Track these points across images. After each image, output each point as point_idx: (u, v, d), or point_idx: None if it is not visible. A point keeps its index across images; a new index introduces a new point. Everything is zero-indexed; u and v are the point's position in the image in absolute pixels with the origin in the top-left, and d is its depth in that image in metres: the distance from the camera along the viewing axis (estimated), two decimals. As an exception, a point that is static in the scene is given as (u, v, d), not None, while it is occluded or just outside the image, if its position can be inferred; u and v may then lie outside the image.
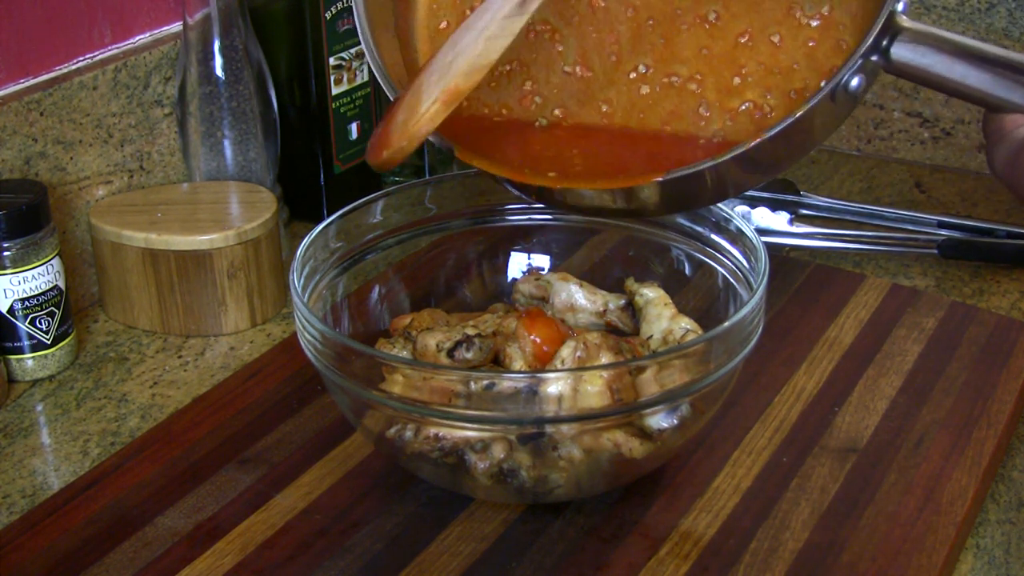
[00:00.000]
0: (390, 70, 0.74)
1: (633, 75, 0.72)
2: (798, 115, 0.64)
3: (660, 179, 0.66)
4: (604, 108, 0.72)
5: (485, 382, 0.64)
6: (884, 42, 0.65)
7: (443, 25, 0.77)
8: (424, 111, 0.66)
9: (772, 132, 0.65)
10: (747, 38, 0.70)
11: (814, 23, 0.69)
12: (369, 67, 1.06)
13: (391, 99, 0.73)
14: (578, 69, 0.73)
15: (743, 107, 0.69)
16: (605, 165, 0.71)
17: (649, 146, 0.71)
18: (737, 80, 0.70)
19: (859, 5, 0.68)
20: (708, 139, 0.69)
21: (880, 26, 0.65)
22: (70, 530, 0.71)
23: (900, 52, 0.66)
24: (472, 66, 0.65)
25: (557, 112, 0.73)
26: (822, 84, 0.66)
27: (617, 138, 0.72)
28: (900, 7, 0.66)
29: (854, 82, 0.65)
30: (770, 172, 0.72)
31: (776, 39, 0.69)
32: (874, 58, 0.66)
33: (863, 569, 0.67)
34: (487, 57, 0.65)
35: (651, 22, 0.73)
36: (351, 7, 1.03)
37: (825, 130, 0.70)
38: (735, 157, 0.65)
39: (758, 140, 0.65)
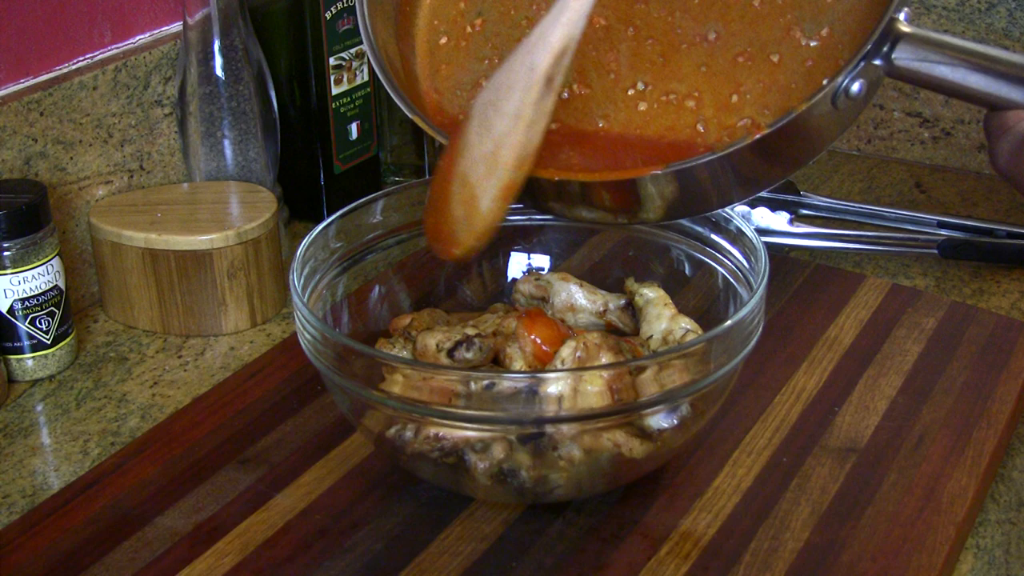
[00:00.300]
0: (395, 75, 0.74)
1: (631, 92, 0.72)
2: (800, 111, 0.65)
3: (660, 171, 0.66)
4: (601, 124, 0.72)
5: (485, 382, 0.64)
6: (885, 48, 0.66)
7: (443, 40, 0.77)
8: (486, 211, 0.66)
9: (775, 126, 0.65)
10: (745, 57, 0.70)
11: (812, 43, 0.69)
12: (369, 67, 1.06)
13: (401, 107, 0.72)
14: (575, 87, 0.73)
15: (740, 123, 0.69)
16: (602, 163, 0.71)
17: (647, 148, 0.71)
18: (735, 98, 0.70)
19: (858, 25, 0.69)
20: (708, 147, 0.70)
21: (880, 31, 0.65)
22: (70, 530, 0.71)
23: (902, 57, 0.66)
24: (521, 157, 0.65)
25: (553, 125, 0.73)
26: (824, 82, 0.66)
27: (614, 142, 0.72)
28: (902, 16, 0.66)
29: (855, 87, 0.65)
30: (773, 176, 0.72)
31: (775, 58, 0.70)
32: (876, 62, 0.66)
33: (863, 569, 0.67)
34: (533, 144, 0.65)
35: (650, 41, 0.73)
36: (351, 7, 1.03)
37: (828, 135, 0.70)
38: (737, 152, 0.65)
39: (761, 134, 0.65)
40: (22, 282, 0.85)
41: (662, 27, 0.73)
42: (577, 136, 0.73)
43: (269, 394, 0.83)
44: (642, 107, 0.72)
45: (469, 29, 0.76)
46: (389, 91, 0.73)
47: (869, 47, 0.65)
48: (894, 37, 0.66)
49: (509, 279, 0.87)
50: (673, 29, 0.73)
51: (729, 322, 0.67)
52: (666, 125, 0.71)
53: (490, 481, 0.69)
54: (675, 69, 0.72)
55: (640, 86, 0.72)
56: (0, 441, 0.81)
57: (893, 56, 0.66)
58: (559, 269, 0.85)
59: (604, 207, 0.72)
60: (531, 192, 0.72)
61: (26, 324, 0.86)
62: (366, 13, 0.75)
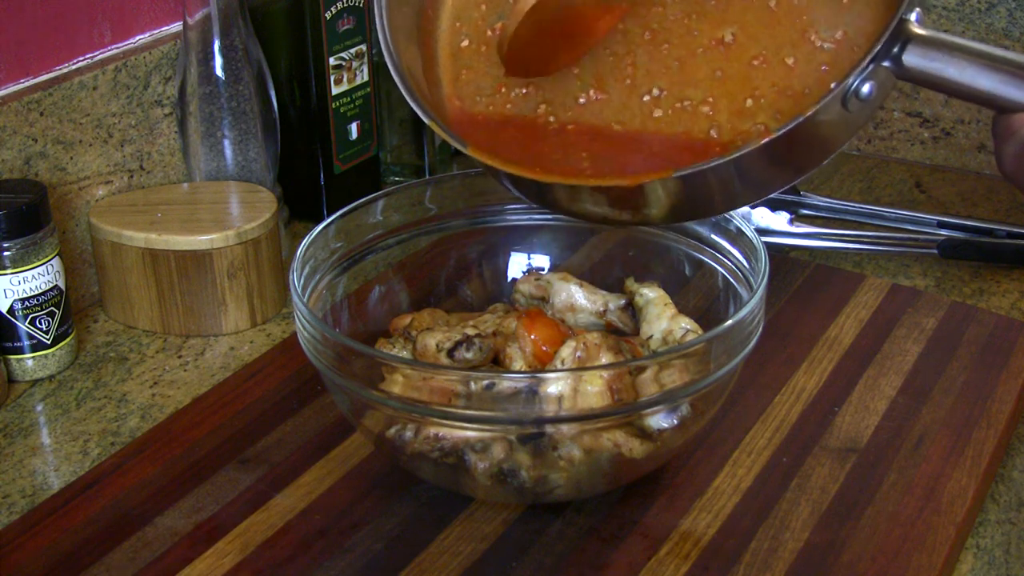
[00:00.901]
0: (414, 83, 0.74)
1: (647, 98, 0.72)
2: (809, 114, 0.64)
3: (667, 177, 0.66)
4: (616, 128, 0.72)
5: (485, 382, 0.64)
6: (895, 49, 0.66)
7: (464, 43, 0.77)
8: None
9: (784, 129, 0.65)
10: (761, 60, 0.70)
11: (827, 46, 0.69)
12: (369, 67, 1.06)
13: (419, 113, 0.72)
14: (592, 92, 0.73)
15: (754, 127, 0.69)
16: (614, 166, 0.71)
17: (659, 149, 0.71)
18: (749, 102, 0.70)
19: (872, 27, 0.68)
20: (723, 146, 0.70)
21: (890, 32, 0.65)
22: (70, 530, 0.71)
23: (912, 59, 0.66)
24: None
25: (570, 127, 0.73)
26: (832, 85, 0.66)
27: (627, 142, 0.72)
28: (913, 17, 0.66)
29: (865, 88, 0.65)
30: (781, 181, 0.72)
31: (790, 61, 0.70)
32: (886, 64, 0.66)
33: (863, 569, 0.67)
34: None
35: (667, 45, 0.73)
36: (351, 7, 1.03)
37: (838, 139, 0.70)
38: (746, 155, 0.65)
39: (770, 138, 0.65)
40: (22, 282, 0.85)
41: (679, 31, 0.73)
42: (589, 134, 0.73)
43: (269, 394, 0.83)
44: (657, 113, 0.72)
45: (489, 33, 0.76)
46: (407, 96, 0.73)
47: (878, 48, 0.65)
48: (904, 38, 0.66)
49: (509, 279, 0.87)
50: (690, 33, 0.73)
51: (729, 322, 0.67)
52: (680, 131, 0.71)
53: (490, 481, 0.69)
54: (691, 74, 0.72)
55: (655, 92, 0.72)
56: (0, 441, 0.81)
57: (903, 57, 0.66)
58: (559, 269, 0.85)
59: (610, 206, 0.72)
60: (537, 186, 0.72)
61: (26, 324, 0.86)
62: (386, 20, 0.75)
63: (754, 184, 0.71)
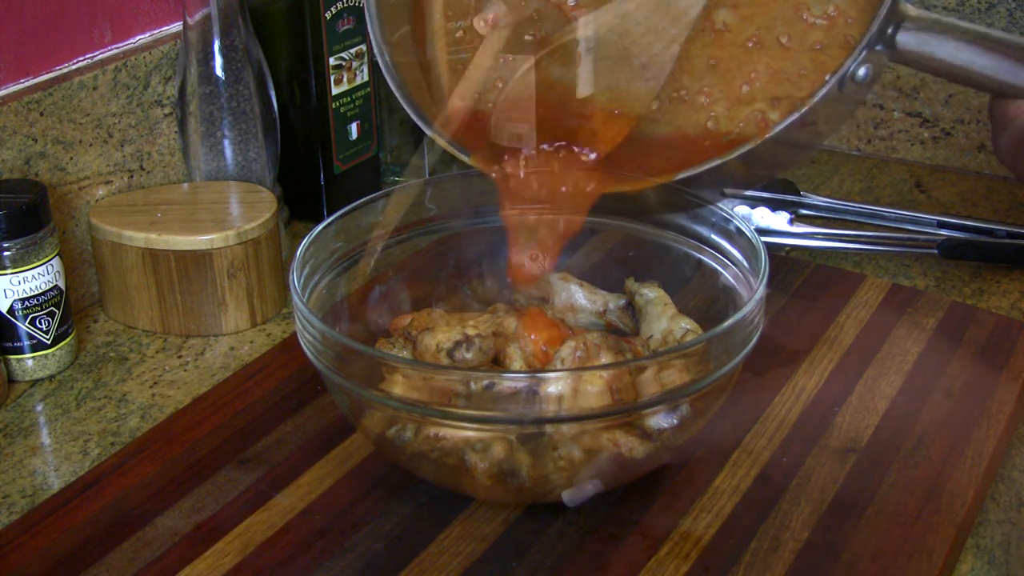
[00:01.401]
0: (415, 90, 0.74)
1: None
2: (803, 111, 0.64)
3: (670, 182, 0.66)
4: None
5: (485, 382, 0.64)
6: (889, 30, 0.65)
7: (459, 35, 0.77)
8: None
9: (779, 127, 0.65)
10: (755, 42, 0.70)
11: (820, 22, 0.69)
12: (369, 67, 1.06)
13: (418, 123, 0.72)
14: None
15: (751, 112, 0.68)
16: (613, 175, 0.72)
17: (657, 147, 0.71)
18: (746, 88, 0.69)
19: (865, 1, 0.68)
20: (718, 138, 0.69)
21: (884, 14, 0.64)
22: (70, 530, 0.71)
23: (905, 39, 0.65)
24: None
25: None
26: (827, 78, 0.66)
27: (626, 141, 0.72)
28: None
29: (861, 72, 0.65)
30: (780, 167, 0.72)
31: (784, 40, 0.69)
32: (879, 47, 0.65)
33: (863, 569, 0.67)
34: None
35: None
36: (351, 7, 1.03)
37: (834, 121, 0.70)
38: (743, 155, 0.65)
39: (765, 137, 0.65)
40: (22, 282, 0.85)
41: None
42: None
43: (269, 394, 0.83)
44: (654, 106, 0.72)
45: (482, 24, 0.76)
46: (404, 104, 0.73)
47: (874, 30, 0.64)
48: (898, 19, 0.65)
49: (509, 279, 0.87)
50: None
51: (729, 322, 0.67)
52: (677, 124, 0.71)
53: (490, 481, 0.69)
54: (686, 64, 0.72)
55: None
56: (0, 441, 0.81)
57: (897, 38, 0.65)
58: (559, 269, 0.85)
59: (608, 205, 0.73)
60: None
61: (26, 324, 0.86)
62: (377, 26, 0.74)
63: (751, 173, 0.71)
